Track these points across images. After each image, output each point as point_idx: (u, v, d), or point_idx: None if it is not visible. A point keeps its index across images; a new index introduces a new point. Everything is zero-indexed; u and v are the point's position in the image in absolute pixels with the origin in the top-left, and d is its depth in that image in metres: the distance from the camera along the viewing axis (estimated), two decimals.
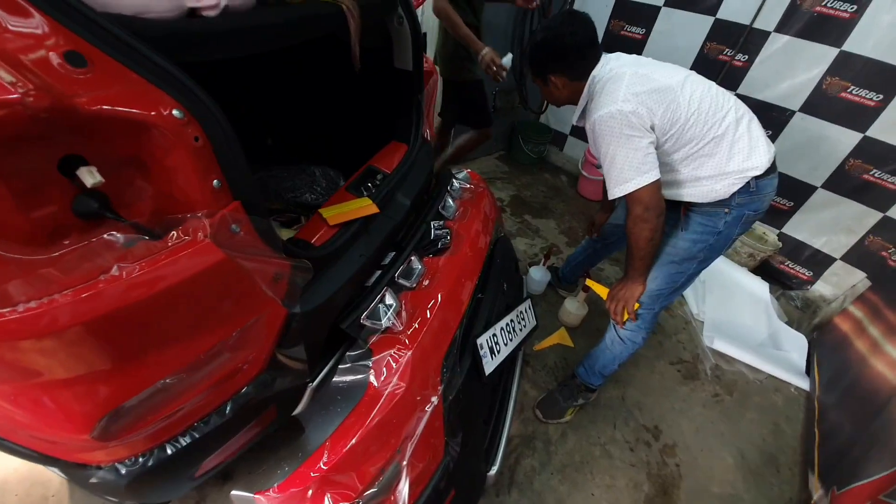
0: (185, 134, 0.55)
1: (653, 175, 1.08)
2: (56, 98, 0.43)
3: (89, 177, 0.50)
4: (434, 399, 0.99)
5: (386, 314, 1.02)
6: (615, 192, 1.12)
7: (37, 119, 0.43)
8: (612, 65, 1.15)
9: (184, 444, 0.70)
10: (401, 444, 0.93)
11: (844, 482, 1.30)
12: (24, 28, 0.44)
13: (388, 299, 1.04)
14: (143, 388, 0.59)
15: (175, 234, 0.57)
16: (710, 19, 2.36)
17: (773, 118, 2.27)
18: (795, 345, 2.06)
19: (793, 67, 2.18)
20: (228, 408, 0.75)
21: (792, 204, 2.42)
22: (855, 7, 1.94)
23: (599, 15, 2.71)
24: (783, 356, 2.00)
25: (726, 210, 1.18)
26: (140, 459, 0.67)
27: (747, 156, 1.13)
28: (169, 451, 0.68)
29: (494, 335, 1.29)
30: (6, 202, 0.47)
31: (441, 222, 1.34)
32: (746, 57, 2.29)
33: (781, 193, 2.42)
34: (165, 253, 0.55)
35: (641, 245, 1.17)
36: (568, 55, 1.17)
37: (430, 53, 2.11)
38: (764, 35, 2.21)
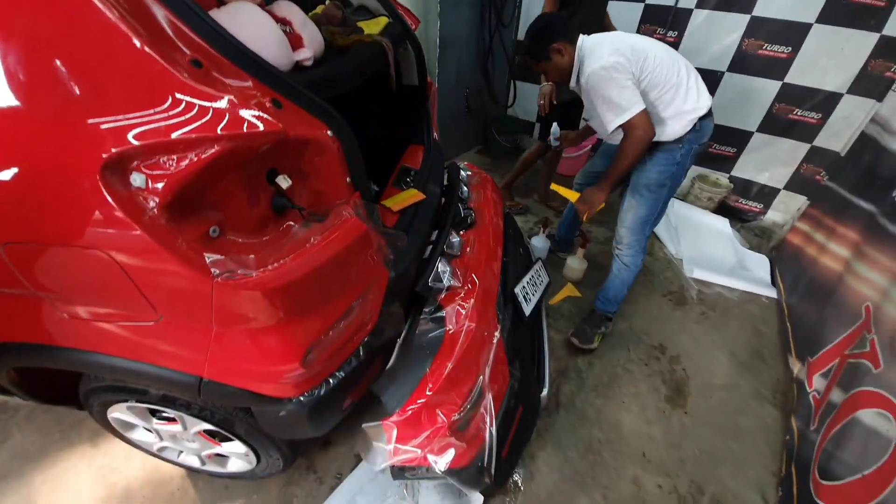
0: (333, 147, 0.80)
1: (641, 105, 1.41)
2: (281, 129, 0.68)
3: (284, 182, 0.75)
4: (497, 334, 1.26)
5: (445, 276, 1.28)
6: (614, 123, 1.44)
7: (273, 142, 0.68)
8: (593, 37, 1.53)
9: (339, 378, 0.94)
10: (481, 369, 1.19)
11: (816, 351, 1.65)
12: (244, 85, 0.68)
13: (443, 266, 1.31)
14: (327, 327, 0.83)
15: (332, 217, 0.82)
16: (641, 6, 2.75)
17: (707, 80, 2.66)
18: (759, 264, 2.45)
19: (716, 35, 2.58)
20: (361, 351, 1.00)
21: (735, 150, 2.84)
22: None
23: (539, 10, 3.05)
24: (751, 275, 2.38)
25: (680, 145, 1.56)
26: (315, 392, 0.90)
27: (696, 98, 1.53)
28: (332, 384, 0.93)
29: (524, 286, 1.57)
30: (241, 203, 0.72)
31: (464, 204, 1.61)
32: (676, 33, 2.69)
33: (725, 141, 2.83)
34: (332, 229, 0.80)
35: (627, 163, 1.50)
36: (566, 24, 1.55)
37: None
38: (687, 13, 2.61)
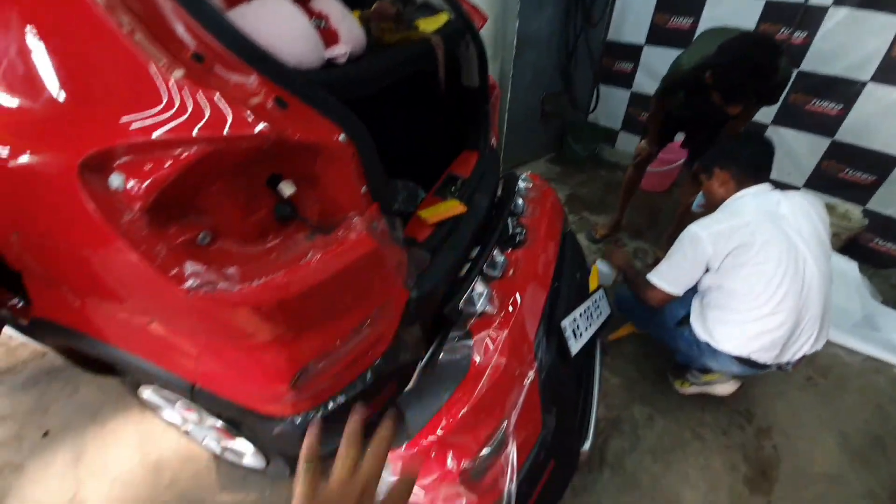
0: (346, 153, 0.72)
1: (672, 288, 1.37)
2: (277, 131, 0.61)
3: (287, 189, 0.68)
4: (531, 374, 1.10)
5: (480, 300, 1.14)
6: (651, 274, 1.43)
7: (265, 145, 0.61)
8: (739, 195, 1.35)
9: (339, 402, 0.86)
10: (506, 413, 1.04)
11: None
12: (246, 82, 0.62)
13: (480, 287, 1.17)
14: (323, 350, 0.75)
15: (341, 231, 0.73)
16: (762, 1, 2.33)
17: (841, 92, 2.19)
18: (893, 325, 1.94)
19: (858, 39, 2.10)
20: (368, 375, 0.91)
21: (874, 177, 2.29)
22: None
23: (644, 10, 2.74)
24: (882, 337, 1.89)
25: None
26: (311, 414, 0.83)
27: (748, 342, 1.29)
28: (331, 407, 0.85)
29: (575, 319, 1.37)
30: (236, 210, 0.66)
31: (515, 219, 1.46)
32: (805, 33, 2.24)
33: (861, 166, 2.30)
34: (336, 244, 0.71)
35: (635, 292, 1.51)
36: (757, 163, 1.37)
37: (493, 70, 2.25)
38: (822, 10, 2.15)
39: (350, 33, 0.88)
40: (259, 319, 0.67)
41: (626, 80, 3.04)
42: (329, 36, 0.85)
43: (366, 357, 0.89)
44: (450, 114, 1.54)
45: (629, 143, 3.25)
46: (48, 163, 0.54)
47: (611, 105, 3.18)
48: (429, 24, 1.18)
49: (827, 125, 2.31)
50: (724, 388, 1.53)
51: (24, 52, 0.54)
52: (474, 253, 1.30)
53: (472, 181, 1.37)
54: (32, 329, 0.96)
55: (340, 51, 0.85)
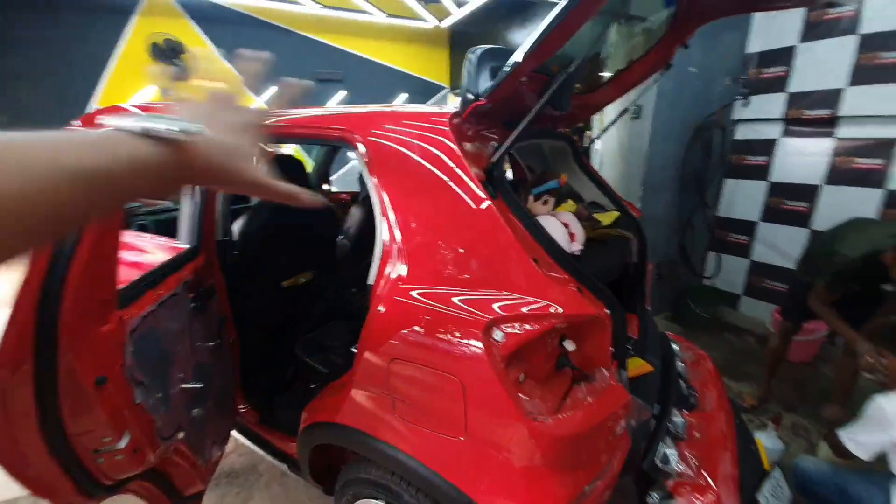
0: (606, 321, 0.98)
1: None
2: (593, 312, 0.89)
3: (570, 346, 0.95)
4: None
5: (672, 458, 1.21)
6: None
7: (583, 320, 0.89)
8: None
9: None
10: None
11: None
12: (560, 277, 0.94)
13: (668, 446, 1.25)
14: (580, 490, 0.90)
15: (597, 380, 0.95)
16: (882, 191, 2.51)
17: None
18: None
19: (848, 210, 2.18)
20: None
21: None
22: None
23: (756, 193, 3.07)
24: None
25: None
26: None
27: None
28: None
29: (766, 497, 1.32)
30: (542, 358, 0.92)
31: (684, 381, 1.56)
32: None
33: None
34: (602, 391, 0.93)
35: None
36: None
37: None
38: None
39: (580, 234, 1.25)
40: (559, 449, 0.85)
41: (743, 251, 3.22)
42: (571, 237, 1.22)
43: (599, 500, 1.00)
44: (620, 283, 1.83)
45: (751, 307, 3.25)
46: (469, 314, 0.86)
47: (730, 271, 3.32)
48: (606, 219, 1.56)
49: None
50: None
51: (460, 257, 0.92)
52: (657, 410, 1.40)
53: (640, 342, 1.56)
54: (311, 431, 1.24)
55: (578, 246, 1.21)
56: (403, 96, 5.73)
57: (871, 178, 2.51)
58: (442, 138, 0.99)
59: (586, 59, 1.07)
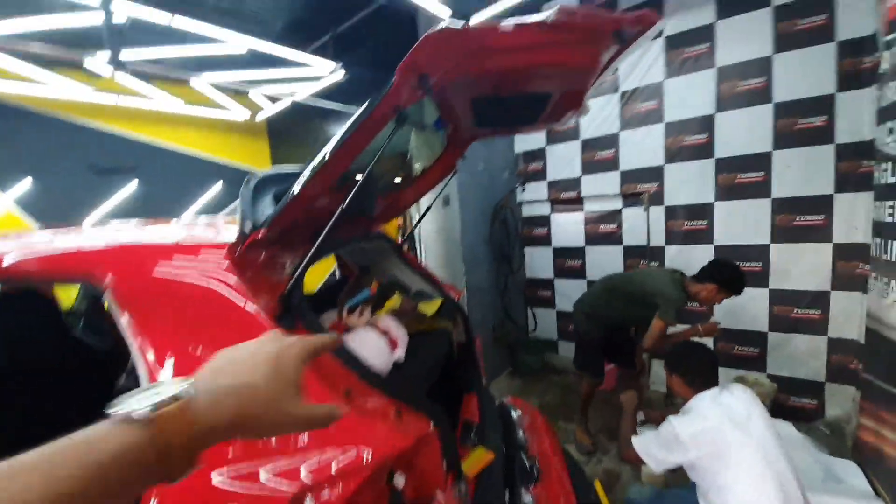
0: (435, 438, 0.95)
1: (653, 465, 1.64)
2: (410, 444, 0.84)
3: (400, 481, 0.86)
4: None
5: None
6: (637, 440, 1.71)
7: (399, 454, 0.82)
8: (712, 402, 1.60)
9: None
10: None
11: None
12: (377, 404, 0.87)
13: None
14: None
15: None
16: (621, 247, 3.39)
17: None
18: (850, 472, 2.20)
19: (688, 262, 3.09)
20: None
21: (757, 350, 2.95)
22: None
23: (546, 256, 3.75)
24: (848, 487, 2.10)
25: None
26: None
27: None
28: None
29: None
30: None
31: (524, 453, 1.63)
32: (658, 263, 3.23)
33: (745, 342, 2.98)
34: None
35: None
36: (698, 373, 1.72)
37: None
38: (660, 250, 3.21)
39: (403, 338, 1.23)
40: None
41: (550, 303, 3.83)
42: (391, 344, 1.18)
43: None
44: (453, 366, 1.86)
45: (566, 349, 3.83)
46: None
47: (546, 321, 3.87)
48: (429, 308, 1.62)
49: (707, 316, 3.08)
50: None
51: None
52: (507, 497, 1.39)
53: (482, 425, 1.58)
54: None
55: (400, 353, 1.19)
56: (218, 185, 5.22)
57: (612, 238, 3.40)
58: (218, 275, 0.86)
59: (372, 171, 1.09)
